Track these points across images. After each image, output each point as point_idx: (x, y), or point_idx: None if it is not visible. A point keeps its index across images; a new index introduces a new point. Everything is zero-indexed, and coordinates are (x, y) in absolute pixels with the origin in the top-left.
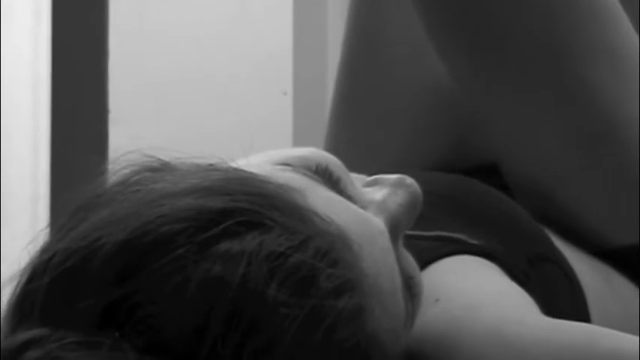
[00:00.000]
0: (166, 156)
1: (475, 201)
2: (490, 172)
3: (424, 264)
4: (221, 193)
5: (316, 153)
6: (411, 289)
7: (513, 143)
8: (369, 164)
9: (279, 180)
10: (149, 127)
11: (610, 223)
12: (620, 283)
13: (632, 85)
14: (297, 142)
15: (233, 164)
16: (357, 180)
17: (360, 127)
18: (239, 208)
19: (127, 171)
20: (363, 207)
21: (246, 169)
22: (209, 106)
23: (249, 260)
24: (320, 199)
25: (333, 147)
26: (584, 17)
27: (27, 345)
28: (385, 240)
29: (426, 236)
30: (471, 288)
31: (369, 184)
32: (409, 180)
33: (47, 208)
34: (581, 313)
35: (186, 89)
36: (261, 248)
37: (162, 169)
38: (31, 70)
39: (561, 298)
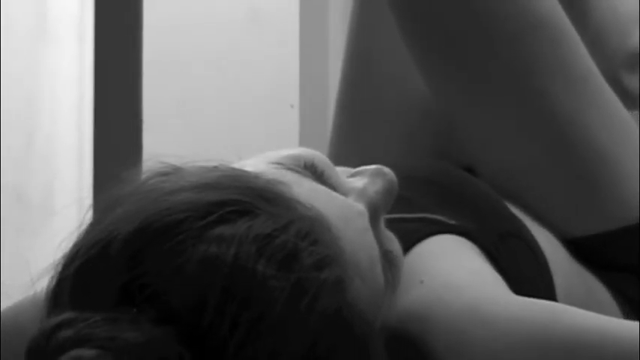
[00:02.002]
0: (180, 161)
1: (452, 184)
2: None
3: (410, 245)
4: (217, 187)
5: (304, 151)
6: (390, 261)
7: (483, 148)
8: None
9: (268, 176)
10: (175, 136)
11: (569, 217)
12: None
13: (584, 100)
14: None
15: (233, 164)
16: (342, 172)
17: (359, 135)
18: (231, 200)
19: (143, 177)
20: (345, 194)
21: (242, 168)
22: (225, 117)
23: (240, 241)
24: (304, 190)
25: (335, 153)
26: (543, 41)
27: (59, 327)
28: (363, 221)
29: (411, 218)
30: (451, 268)
31: (352, 175)
32: (386, 169)
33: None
34: (545, 283)
35: (205, 102)
36: (249, 231)
37: (172, 172)
38: (76, 88)
39: (527, 270)
